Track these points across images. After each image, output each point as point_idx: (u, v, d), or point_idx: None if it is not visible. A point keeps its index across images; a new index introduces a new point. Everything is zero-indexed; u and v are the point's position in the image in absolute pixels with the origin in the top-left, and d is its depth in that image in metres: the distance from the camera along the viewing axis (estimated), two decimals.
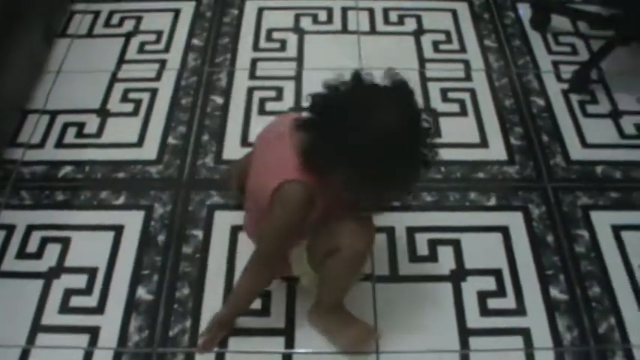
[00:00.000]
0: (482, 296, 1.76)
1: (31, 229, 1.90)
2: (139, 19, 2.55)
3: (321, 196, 1.39)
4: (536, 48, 2.49)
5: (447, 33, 2.53)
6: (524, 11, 2.60)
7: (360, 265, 1.53)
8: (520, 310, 1.74)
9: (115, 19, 2.56)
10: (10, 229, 1.90)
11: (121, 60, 2.40)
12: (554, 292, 1.77)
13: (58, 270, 1.81)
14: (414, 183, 1.38)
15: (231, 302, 1.64)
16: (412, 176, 1.36)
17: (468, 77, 2.36)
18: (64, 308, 1.74)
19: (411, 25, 2.56)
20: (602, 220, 1.94)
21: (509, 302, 1.75)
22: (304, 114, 1.38)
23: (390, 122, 1.27)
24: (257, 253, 1.53)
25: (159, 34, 2.50)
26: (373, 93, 1.33)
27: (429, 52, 2.44)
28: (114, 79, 2.33)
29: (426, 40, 2.49)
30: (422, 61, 2.41)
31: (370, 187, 1.33)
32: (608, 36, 2.42)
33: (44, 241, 1.87)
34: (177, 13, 2.59)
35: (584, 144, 2.16)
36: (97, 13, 2.59)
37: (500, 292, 1.77)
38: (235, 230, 1.88)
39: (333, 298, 1.62)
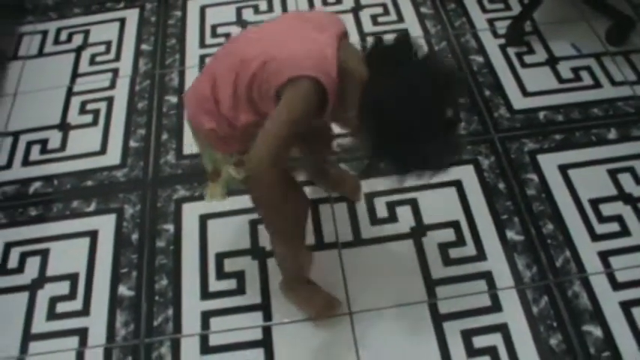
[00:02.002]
0: (444, 247, 1.86)
1: (9, 246, 1.98)
2: (86, 33, 2.62)
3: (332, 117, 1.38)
4: (470, 8, 2.59)
5: (384, 5, 2.61)
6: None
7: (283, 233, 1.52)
8: (480, 256, 1.84)
9: (64, 36, 2.62)
10: None
11: (75, 74, 2.46)
12: (511, 235, 1.88)
13: (41, 280, 1.89)
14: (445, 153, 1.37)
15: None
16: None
17: None
18: (52, 315, 1.82)
19: (348, 2, 2.63)
20: (549, 162, 2.05)
21: (469, 250, 1.86)
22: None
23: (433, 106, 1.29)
24: (259, 158, 1.31)
25: (108, 44, 2.56)
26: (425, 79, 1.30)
27: (368, 26, 2.53)
28: (70, 93, 2.39)
29: (365, 15, 2.57)
30: (362, 35, 2.49)
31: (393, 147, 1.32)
32: None
33: (24, 256, 1.95)
34: (122, 22, 2.65)
35: (525, 93, 2.26)
36: (45, 33, 2.65)
37: (460, 241, 1.87)
38: (204, 219, 1.96)
39: (288, 273, 1.71)
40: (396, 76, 1.29)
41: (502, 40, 2.44)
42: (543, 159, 2.06)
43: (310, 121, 1.35)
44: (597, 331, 1.68)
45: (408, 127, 1.28)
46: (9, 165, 2.19)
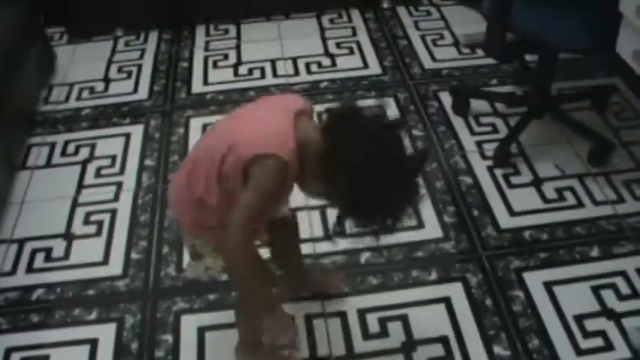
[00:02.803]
0: None
1: (10, 351, 2.02)
2: (93, 146, 2.74)
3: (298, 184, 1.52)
4: (460, 131, 2.73)
5: None
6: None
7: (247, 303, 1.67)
8: None
9: (71, 148, 2.74)
10: None
11: (80, 185, 2.57)
12: (498, 350, 1.94)
13: None
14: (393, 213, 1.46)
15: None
16: (394, 206, 1.45)
17: None
18: None
19: None
20: (535, 279, 2.13)
21: None
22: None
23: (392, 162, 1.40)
24: (233, 226, 1.41)
25: (113, 158, 2.68)
26: (379, 131, 1.42)
27: None
28: (75, 204, 2.49)
29: None
30: None
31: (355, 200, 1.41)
32: (522, 112, 2.66)
33: None
34: (127, 137, 2.78)
35: (512, 212, 2.36)
36: (53, 145, 2.77)
37: (449, 356, 1.93)
38: (202, 331, 2.02)
39: (246, 334, 1.82)
40: (351, 136, 1.38)
41: (490, 162, 2.57)
42: (529, 276, 2.14)
43: (279, 192, 1.46)
44: None
45: (366, 178, 1.37)
46: (13, 271, 2.26)
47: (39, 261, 2.30)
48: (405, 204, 1.46)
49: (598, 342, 1.96)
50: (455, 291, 2.11)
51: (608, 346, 1.95)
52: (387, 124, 1.46)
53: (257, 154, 1.40)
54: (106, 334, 2.05)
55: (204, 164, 1.50)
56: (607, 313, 2.03)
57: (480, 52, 3.15)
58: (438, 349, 1.95)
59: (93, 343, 2.03)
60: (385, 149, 1.39)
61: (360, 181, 1.37)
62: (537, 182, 2.48)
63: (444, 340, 1.97)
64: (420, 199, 1.47)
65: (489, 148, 2.61)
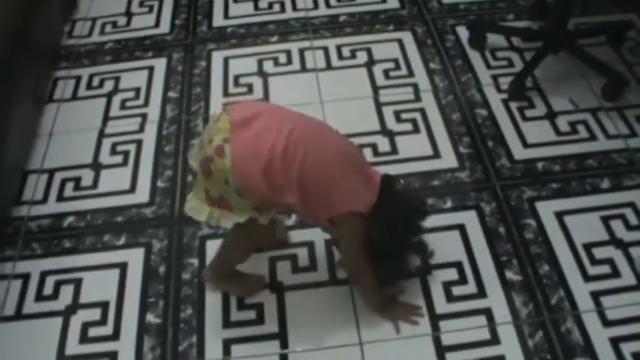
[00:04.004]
0: (447, 286, 2.01)
1: (45, 274, 2.13)
2: (117, 79, 2.81)
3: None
4: (476, 65, 2.77)
5: (396, 60, 2.80)
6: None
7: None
8: (481, 294, 1.99)
9: (96, 82, 2.81)
10: (26, 277, 2.13)
11: (106, 117, 2.64)
12: (510, 275, 2.03)
13: (74, 307, 2.04)
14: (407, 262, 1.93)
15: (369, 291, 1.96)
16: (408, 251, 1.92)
17: (418, 98, 2.63)
18: (84, 339, 1.97)
19: (362, 57, 2.83)
20: (546, 209, 2.21)
21: (471, 288, 2.01)
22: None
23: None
24: (356, 267, 1.90)
25: (137, 90, 2.75)
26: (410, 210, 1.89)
27: (380, 80, 2.71)
28: (101, 135, 2.57)
29: (377, 69, 2.76)
30: (375, 88, 2.68)
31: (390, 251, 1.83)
32: (539, 47, 2.69)
33: (58, 284, 2.10)
34: (151, 70, 2.84)
35: (526, 144, 2.43)
36: (78, 78, 2.84)
37: (462, 280, 2.03)
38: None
39: (228, 266, 2.00)
40: (394, 204, 1.80)
41: (505, 95, 2.62)
42: (541, 206, 2.22)
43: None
44: None
45: (399, 235, 1.84)
46: (45, 200, 2.36)
47: (69, 190, 2.39)
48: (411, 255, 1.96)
49: (605, 269, 2.05)
50: (469, 219, 2.19)
51: (615, 273, 2.03)
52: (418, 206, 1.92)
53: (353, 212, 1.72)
54: (134, 258, 2.16)
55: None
56: (615, 242, 2.11)
57: None
58: (452, 274, 2.04)
59: (122, 266, 2.14)
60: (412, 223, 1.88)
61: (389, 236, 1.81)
62: (551, 115, 2.53)
63: (457, 265, 2.06)
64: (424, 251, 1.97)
65: (505, 82, 2.66)
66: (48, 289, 2.09)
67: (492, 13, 3.04)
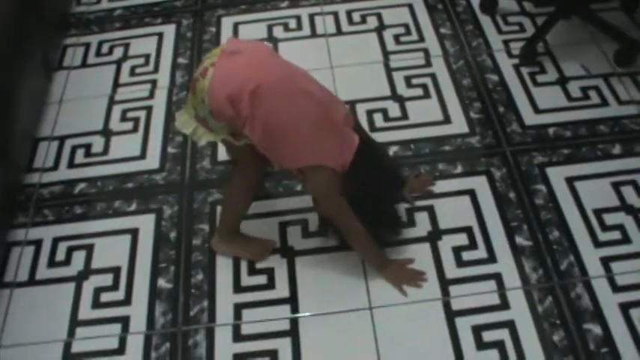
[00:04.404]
0: (457, 251, 2.02)
1: (57, 241, 2.15)
2: (126, 46, 2.80)
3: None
4: (487, 30, 2.75)
5: (406, 26, 2.78)
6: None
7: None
8: (491, 259, 2.00)
9: (105, 48, 2.80)
10: (39, 243, 2.15)
11: (116, 84, 2.64)
12: (520, 240, 2.03)
13: (86, 272, 2.06)
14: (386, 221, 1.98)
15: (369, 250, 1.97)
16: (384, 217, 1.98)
17: (428, 63, 2.61)
18: (96, 304, 1.99)
19: (372, 22, 2.81)
20: (557, 175, 2.20)
21: (481, 253, 2.01)
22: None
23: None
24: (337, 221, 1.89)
25: (147, 57, 2.74)
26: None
27: (391, 45, 2.70)
28: (112, 102, 2.57)
29: (388, 34, 2.74)
30: (385, 53, 2.66)
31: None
32: (550, 12, 2.66)
33: (70, 250, 2.12)
34: (160, 36, 2.83)
35: (537, 110, 2.41)
36: (87, 45, 2.83)
37: (472, 245, 2.03)
38: None
39: (233, 221, 2.02)
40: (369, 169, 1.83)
41: (516, 60, 2.60)
42: (551, 171, 2.21)
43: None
44: (597, 329, 1.83)
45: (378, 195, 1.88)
46: (56, 167, 2.37)
47: (79, 157, 2.40)
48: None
49: (616, 235, 2.05)
50: (479, 184, 2.19)
51: (626, 239, 2.03)
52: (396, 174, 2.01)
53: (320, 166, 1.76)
54: (145, 224, 2.17)
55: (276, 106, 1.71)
56: (626, 208, 2.11)
57: None
58: (462, 239, 2.05)
59: (134, 232, 2.15)
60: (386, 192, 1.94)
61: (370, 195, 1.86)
62: (563, 81, 2.51)
63: (468, 230, 2.07)
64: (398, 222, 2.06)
65: (516, 47, 2.64)
66: (60, 255, 2.11)
67: None
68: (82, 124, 2.50)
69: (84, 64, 2.75)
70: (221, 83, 1.68)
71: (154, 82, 2.63)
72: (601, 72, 2.54)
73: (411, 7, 2.87)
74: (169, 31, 2.86)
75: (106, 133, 2.46)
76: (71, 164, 2.38)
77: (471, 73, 2.56)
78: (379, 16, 2.83)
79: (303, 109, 1.73)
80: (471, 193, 2.16)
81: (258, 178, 1.99)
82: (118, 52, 2.78)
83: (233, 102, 1.67)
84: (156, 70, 2.69)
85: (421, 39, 2.72)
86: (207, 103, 1.69)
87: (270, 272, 2.01)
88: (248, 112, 1.68)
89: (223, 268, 2.03)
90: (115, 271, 2.06)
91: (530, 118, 2.38)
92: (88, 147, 2.42)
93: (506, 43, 2.68)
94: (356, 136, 1.81)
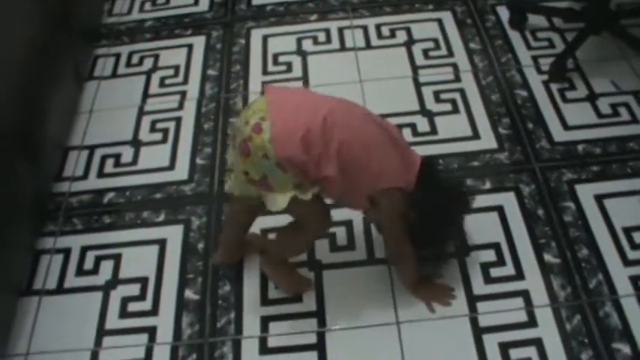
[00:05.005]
0: (485, 267, 2.01)
1: (85, 249, 2.17)
2: (156, 57, 2.82)
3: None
4: (516, 45, 2.74)
5: (435, 40, 2.78)
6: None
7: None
8: (519, 276, 1.98)
9: (135, 59, 2.83)
10: (67, 252, 2.16)
11: (146, 95, 2.66)
12: (548, 257, 2.02)
13: (114, 282, 2.07)
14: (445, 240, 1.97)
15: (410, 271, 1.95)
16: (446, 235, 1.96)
17: (457, 78, 2.61)
18: (123, 313, 2.00)
19: (402, 36, 2.81)
20: (586, 192, 2.18)
21: (508, 270, 2.00)
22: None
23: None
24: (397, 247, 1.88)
25: (176, 68, 2.76)
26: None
27: (420, 60, 2.70)
28: (141, 112, 2.59)
29: (417, 49, 2.74)
30: (414, 68, 2.66)
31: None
32: (580, 28, 2.65)
33: (98, 259, 2.13)
34: (190, 48, 2.85)
35: (566, 126, 2.40)
36: (118, 56, 2.86)
37: (500, 262, 2.02)
38: (264, 233, 2.13)
39: (283, 254, 1.99)
40: (434, 188, 1.81)
41: (545, 76, 2.59)
42: (580, 188, 2.20)
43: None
44: (626, 349, 1.81)
45: (437, 220, 1.83)
46: (85, 176, 2.39)
47: (109, 166, 2.42)
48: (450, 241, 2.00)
49: None
50: (508, 200, 2.18)
51: None
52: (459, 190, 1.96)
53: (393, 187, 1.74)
54: (173, 234, 2.18)
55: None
56: None
57: None
58: (490, 255, 2.04)
59: (162, 243, 2.16)
60: (452, 207, 1.88)
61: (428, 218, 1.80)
62: (592, 97, 2.50)
63: (495, 247, 2.06)
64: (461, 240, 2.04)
65: (545, 63, 2.63)
66: (88, 264, 2.13)
67: None
68: (112, 133, 2.52)
69: (114, 75, 2.78)
70: (285, 130, 1.62)
71: (183, 94, 2.65)
72: (631, 88, 2.52)
73: (440, 21, 2.87)
74: (199, 42, 2.88)
75: (136, 143, 2.48)
76: (100, 174, 2.40)
77: (500, 89, 2.55)
78: (408, 31, 2.84)
79: (371, 134, 1.71)
80: (499, 210, 2.16)
81: (320, 217, 1.87)
82: (148, 63, 2.80)
83: (305, 145, 1.62)
84: (185, 81, 2.71)
85: (450, 54, 2.72)
86: (273, 156, 1.62)
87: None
88: (321, 150, 1.63)
89: (250, 280, 2.03)
90: (143, 281, 2.07)
91: (559, 134, 2.37)
92: (117, 157, 2.44)
93: (535, 58, 2.67)
94: (418, 155, 1.81)
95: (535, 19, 2.83)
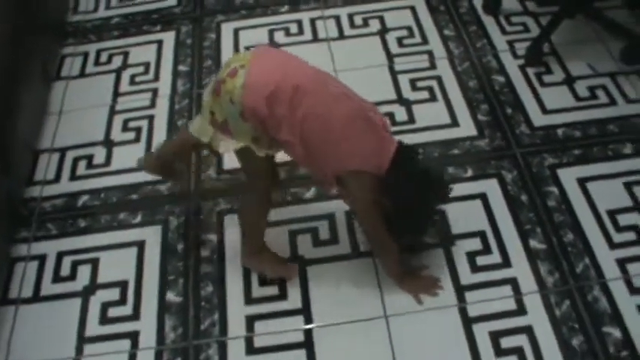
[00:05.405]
0: (471, 256, 1.98)
1: (61, 255, 2.10)
2: (125, 54, 2.76)
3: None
4: (491, 31, 2.72)
5: (409, 28, 2.75)
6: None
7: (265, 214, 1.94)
8: (506, 263, 1.96)
9: (104, 57, 2.76)
10: (42, 258, 2.10)
11: (116, 93, 2.60)
12: (534, 243, 2.00)
13: (93, 287, 2.02)
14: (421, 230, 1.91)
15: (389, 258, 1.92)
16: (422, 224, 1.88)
17: (433, 66, 2.58)
18: (104, 319, 1.94)
19: (375, 25, 2.78)
20: (568, 176, 2.17)
21: (495, 258, 1.98)
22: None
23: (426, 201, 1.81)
24: (371, 232, 1.87)
25: (146, 65, 2.70)
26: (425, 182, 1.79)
27: (394, 48, 2.66)
28: (112, 111, 2.53)
29: (391, 37, 2.71)
30: (390, 56, 2.63)
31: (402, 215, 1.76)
32: (554, 11, 2.62)
33: (75, 264, 2.07)
34: (159, 44, 2.79)
35: (545, 111, 2.38)
36: (85, 54, 2.79)
37: (486, 250, 2.00)
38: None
39: (254, 241, 1.96)
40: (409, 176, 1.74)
41: (521, 61, 2.57)
42: (563, 173, 2.18)
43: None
44: (616, 332, 1.80)
45: (413, 206, 1.76)
46: (57, 179, 2.32)
47: (81, 168, 2.35)
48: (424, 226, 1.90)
49: (630, 236, 2.01)
50: (490, 187, 2.16)
51: None
52: (436, 179, 1.83)
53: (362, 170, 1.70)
54: (152, 235, 2.13)
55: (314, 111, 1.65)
56: (639, 208, 2.08)
57: None
58: (475, 243, 2.01)
59: (140, 244, 2.11)
60: (427, 196, 1.79)
61: (402, 207, 1.74)
62: (569, 81, 2.49)
63: (481, 235, 2.03)
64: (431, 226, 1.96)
65: (521, 48, 2.61)
66: (65, 270, 2.07)
67: None
68: (83, 134, 2.46)
69: (82, 74, 2.71)
70: (257, 81, 1.62)
71: (154, 91, 2.59)
72: (608, 70, 2.51)
73: (413, 9, 2.84)
74: (169, 38, 2.82)
75: (108, 143, 2.42)
76: (73, 176, 2.33)
77: (477, 75, 2.53)
78: (381, 19, 2.80)
79: (342, 112, 1.67)
80: (483, 197, 2.13)
81: (270, 192, 1.92)
82: (117, 61, 2.74)
83: (270, 101, 1.61)
84: (156, 78, 2.65)
85: (425, 41, 2.69)
86: (239, 102, 1.62)
87: (281, 283, 1.96)
88: (285, 113, 1.62)
89: (233, 279, 1.99)
90: (122, 285, 2.01)
91: (538, 119, 2.35)
92: (89, 158, 2.38)
93: (510, 43, 2.65)
94: (394, 139, 1.77)
95: (508, 4, 2.80)
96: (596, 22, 2.62)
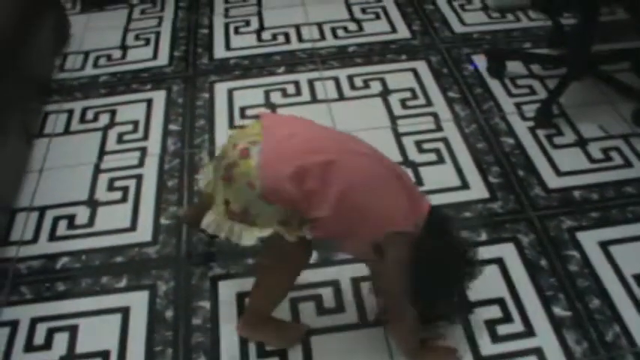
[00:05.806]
0: (491, 324, 1.81)
1: (35, 321, 1.90)
2: (113, 113, 2.62)
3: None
4: (497, 93, 2.62)
5: (412, 90, 2.65)
6: (481, 63, 2.73)
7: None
8: (529, 332, 1.79)
9: (90, 115, 2.62)
10: (14, 324, 1.90)
11: (102, 152, 2.45)
12: (557, 310, 1.83)
13: (70, 357, 1.81)
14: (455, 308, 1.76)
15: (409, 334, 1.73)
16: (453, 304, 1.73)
17: (439, 128, 2.47)
18: None
19: (376, 87, 2.67)
20: (589, 239, 2.03)
21: (517, 326, 1.81)
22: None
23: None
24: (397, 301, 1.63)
25: (135, 123, 2.56)
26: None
27: (398, 110, 2.55)
28: (97, 170, 2.37)
29: (394, 99, 2.60)
30: (393, 118, 2.51)
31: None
32: (561, 74, 2.55)
33: (51, 332, 1.87)
34: (149, 102, 2.66)
35: (559, 173, 2.26)
36: (70, 112, 2.65)
37: (507, 318, 1.83)
38: (241, 297, 1.91)
39: (267, 306, 1.76)
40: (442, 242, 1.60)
41: (530, 123, 2.47)
42: (583, 236, 2.04)
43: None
44: None
45: (443, 278, 1.61)
46: (35, 239, 2.14)
47: (62, 228, 2.18)
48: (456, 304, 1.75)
49: None
50: (507, 251, 2.01)
51: None
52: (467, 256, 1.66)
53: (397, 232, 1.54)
54: (137, 302, 1.94)
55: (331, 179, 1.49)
56: None
57: (510, 16, 3.06)
58: (495, 311, 1.85)
59: (124, 311, 1.92)
60: (455, 272, 1.65)
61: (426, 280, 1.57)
62: (582, 143, 2.39)
63: (500, 302, 1.87)
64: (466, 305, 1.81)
65: (529, 110, 2.52)
66: (39, 339, 1.86)
67: (508, 41, 2.92)
68: (65, 193, 2.29)
69: (67, 131, 2.56)
70: (279, 158, 1.48)
71: (143, 150, 2.44)
72: (620, 132, 2.42)
73: (415, 71, 2.75)
74: (159, 97, 2.69)
75: (92, 203, 2.25)
76: (52, 237, 2.15)
77: (485, 137, 2.41)
78: (383, 81, 2.70)
79: (377, 175, 1.54)
80: (499, 262, 1.97)
81: (302, 259, 1.69)
82: (104, 119, 2.60)
83: (297, 179, 1.46)
84: (145, 137, 2.50)
85: (429, 103, 2.58)
86: (259, 185, 1.46)
87: (283, 354, 1.77)
88: (316, 187, 1.47)
89: (228, 349, 1.79)
90: (104, 355, 1.81)
91: (552, 181, 2.23)
92: (71, 218, 2.20)
93: (518, 105, 2.55)
94: (427, 198, 1.63)
95: (512, 67, 2.72)
96: (606, 84, 2.55)
